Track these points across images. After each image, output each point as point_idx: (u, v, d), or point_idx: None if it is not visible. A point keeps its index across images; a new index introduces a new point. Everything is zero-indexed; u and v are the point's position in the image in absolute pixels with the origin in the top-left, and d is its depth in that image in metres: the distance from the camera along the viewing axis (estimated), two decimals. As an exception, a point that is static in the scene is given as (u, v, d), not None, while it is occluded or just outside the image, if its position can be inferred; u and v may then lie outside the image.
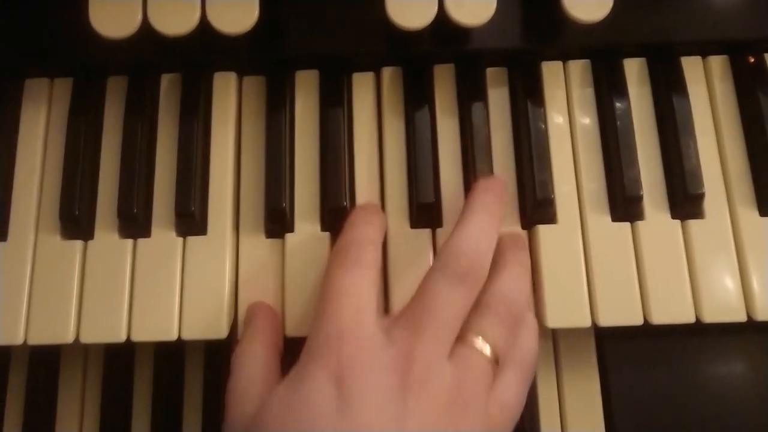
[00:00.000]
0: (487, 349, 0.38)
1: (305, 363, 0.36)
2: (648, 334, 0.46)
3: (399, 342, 0.36)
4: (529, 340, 0.41)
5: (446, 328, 0.37)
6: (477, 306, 0.39)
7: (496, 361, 0.38)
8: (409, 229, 0.45)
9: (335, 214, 0.44)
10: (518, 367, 0.40)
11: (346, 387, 0.34)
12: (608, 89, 0.46)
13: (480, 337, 0.38)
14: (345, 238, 0.40)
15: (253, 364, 0.40)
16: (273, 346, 0.42)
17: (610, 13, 0.42)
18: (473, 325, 0.38)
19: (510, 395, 0.39)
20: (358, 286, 0.38)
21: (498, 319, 0.38)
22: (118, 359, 0.48)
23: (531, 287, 0.43)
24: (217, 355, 0.47)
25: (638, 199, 0.44)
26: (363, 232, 0.41)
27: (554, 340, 0.48)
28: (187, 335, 0.43)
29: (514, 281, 0.40)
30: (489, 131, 0.46)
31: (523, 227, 0.45)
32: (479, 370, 0.37)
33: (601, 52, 0.47)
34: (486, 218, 0.40)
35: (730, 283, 0.43)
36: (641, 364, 0.46)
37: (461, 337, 0.38)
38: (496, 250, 0.41)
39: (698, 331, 0.46)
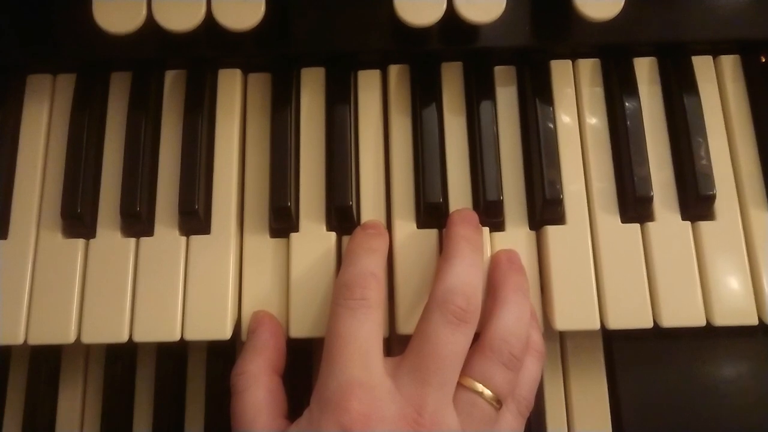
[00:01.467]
0: (488, 395, 0.38)
1: (318, 415, 0.37)
2: (656, 335, 0.45)
3: (406, 390, 0.37)
4: (531, 368, 0.42)
5: (451, 371, 0.38)
6: (480, 348, 0.39)
7: (499, 403, 0.39)
8: (416, 229, 0.44)
9: (341, 213, 0.44)
10: (514, 401, 0.40)
11: None
12: (618, 88, 0.46)
13: (481, 384, 0.39)
14: (347, 272, 0.41)
15: (257, 389, 0.40)
16: (277, 366, 0.42)
17: (622, 11, 0.42)
18: (476, 370, 0.39)
19: (505, 428, 0.40)
20: (365, 330, 0.38)
21: (501, 363, 0.39)
22: (120, 359, 0.47)
23: (534, 312, 0.43)
24: (220, 356, 0.47)
25: (649, 199, 0.43)
26: (365, 264, 0.41)
27: (561, 340, 0.47)
28: (189, 336, 0.43)
29: (515, 317, 0.40)
30: (497, 130, 0.46)
31: (531, 228, 0.45)
32: (483, 414, 0.38)
33: (612, 50, 0.47)
34: (471, 252, 0.41)
35: (741, 285, 0.42)
36: (649, 365, 0.46)
37: (465, 381, 0.39)
38: (493, 276, 0.42)
39: (707, 333, 0.45)
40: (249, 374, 0.40)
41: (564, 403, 0.46)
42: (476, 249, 0.41)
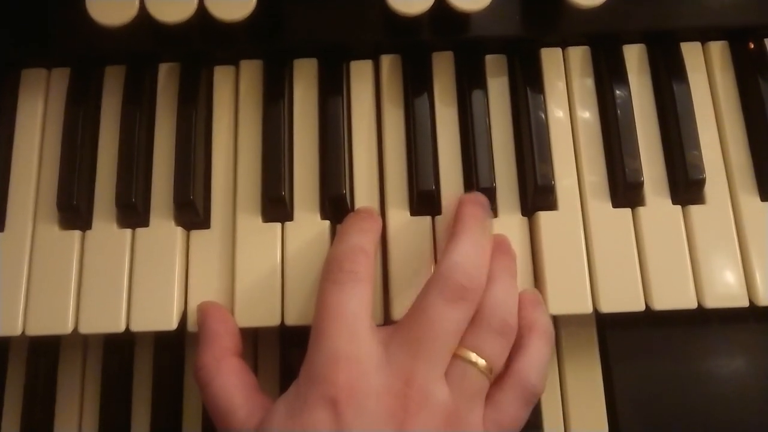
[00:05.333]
0: (482, 364, 0.38)
1: (305, 388, 0.37)
2: (650, 323, 0.46)
3: (396, 361, 0.37)
4: (540, 347, 0.41)
5: (445, 348, 0.38)
6: (471, 320, 0.39)
7: (490, 371, 0.39)
8: (409, 216, 0.44)
9: (335, 203, 0.44)
10: (518, 385, 0.40)
11: (343, 415, 0.35)
12: (608, 75, 0.46)
13: (474, 354, 0.38)
14: (337, 248, 0.41)
15: (222, 376, 0.40)
16: (234, 349, 0.42)
17: (610, -2, 0.42)
18: (468, 340, 0.39)
19: (505, 414, 0.39)
20: (353, 303, 0.38)
21: (493, 333, 0.39)
22: (118, 349, 0.48)
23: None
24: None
25: (639, 185, 0.44)
26: (355, 241, 0.41)
27: (555, 330, 0.47)
28: (188, 326, 0.43)
29: (503, 291, 0.40)
30: (489, 119, 0.46)
31: (524, 214, 0.45)
32: (474, 387, 0.38)
33: (601, 38, 0.47)
34: (479, 233, 0.40)
35: (731, 268, 0.43)
36: (643, 353, 0.46)
37: (457, 350, 0.38)
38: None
39: (700, 320, 0.46)
40: (209, 365, 0.40)
41: (559, 391, 0.47)
42: (484, 229, 0.41)
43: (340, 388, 0.36)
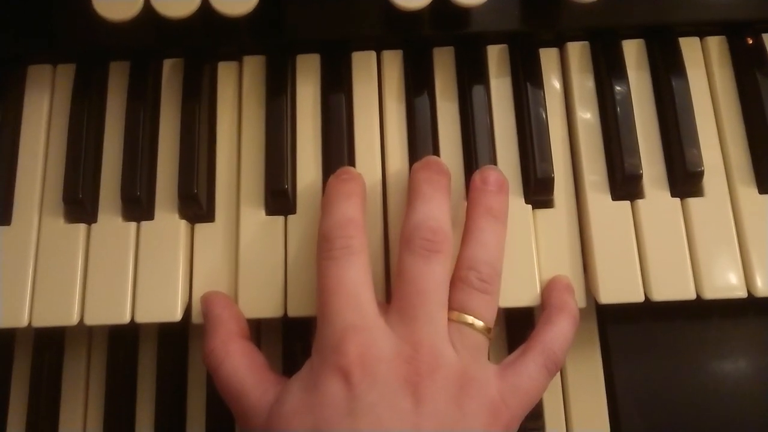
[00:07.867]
0: (476, 323, 0.38)
1: (317, 363, 0.37)
2: (650, 318, 0.46)
3: (398, 330, 0.37)
4: (564, 325, 0.41)
5: (435, 302, 0.38)
6: (453, 281, 0.40)
7: (488, 330, 0.39)
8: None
9: (337, 195, 0.44)
10: (542, 353, 0.40)
11: (356, 385, 0.35)
12: (607, 70, 0.46)
13: (464, 313, 0.39)
14: (326, 222, 0.41)
15: (231, 358, 0.40)
16: (240, 332, 0.42)
17: (608, -7, 0.43)
18: (454, 301, 0.39)
19: (525, 380, 0.39)
20: (351, 274, 0.38)
21: (473, 290, 0.39)
22: (123, 341, 0.48)
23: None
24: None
25: (638, 177, 0.44)
26: (342, 211, 0.40)
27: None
28: (194, 318, 0.44)
29: (481, 244, 0.40)
30: (490, 113, 0.46)
31: (527, 202, 0.45)
32: (474, 345, 0.38)
33: (600, 33, 0.47)
34: (431, 190, 0.40)
35: (729, 260, 0.43)
36: (644, 349, 0.46)
37: (449, 316, 0.39)
38: (468, 203, 0.42)
39: (701, 316, 0.46)
40: (217, 350, 0.40)
41: (560, 389, 0.47)
42: (436, 187, 0.41)
43: (351, 358, 0.36)
